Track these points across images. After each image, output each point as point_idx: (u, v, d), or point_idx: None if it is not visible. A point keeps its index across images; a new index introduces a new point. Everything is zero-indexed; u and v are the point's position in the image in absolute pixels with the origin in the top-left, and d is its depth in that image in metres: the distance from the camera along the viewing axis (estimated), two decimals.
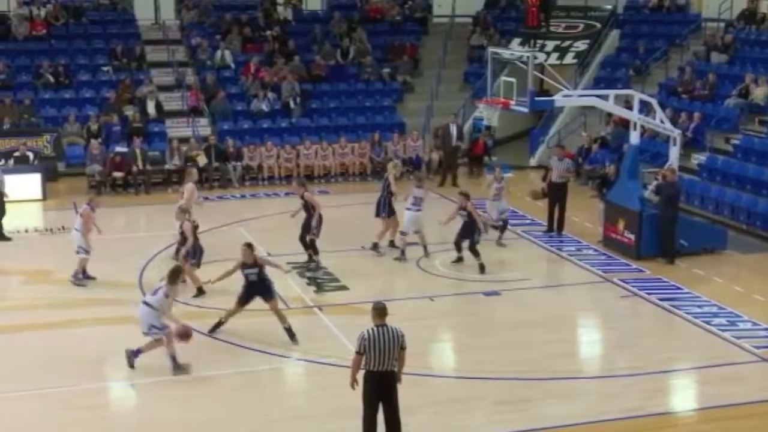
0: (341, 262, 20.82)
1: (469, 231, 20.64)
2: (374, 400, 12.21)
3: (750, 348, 16.43)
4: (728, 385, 14.98)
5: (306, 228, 20.58)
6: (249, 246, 16.72)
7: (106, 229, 20.45)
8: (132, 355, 15.26)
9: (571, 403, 14.36)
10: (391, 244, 21.72)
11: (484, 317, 18.17)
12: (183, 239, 18.98)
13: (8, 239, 22.64)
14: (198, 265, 19.14)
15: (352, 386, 12.28)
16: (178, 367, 15.09)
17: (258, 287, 16.52)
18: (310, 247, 20.72)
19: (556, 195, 23.49)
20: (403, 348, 12.07)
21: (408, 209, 21.30)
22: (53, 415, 13.82)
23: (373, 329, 12.05)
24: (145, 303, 15.41)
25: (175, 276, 15.44)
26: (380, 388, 12.16)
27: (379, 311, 12.21)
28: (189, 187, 21.36)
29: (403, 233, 21.41)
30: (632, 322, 18.07)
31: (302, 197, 20.75)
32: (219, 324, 16.72)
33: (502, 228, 22.78)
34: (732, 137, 27.39)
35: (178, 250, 19.34)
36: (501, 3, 39.59)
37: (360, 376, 12.20)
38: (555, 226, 23.65)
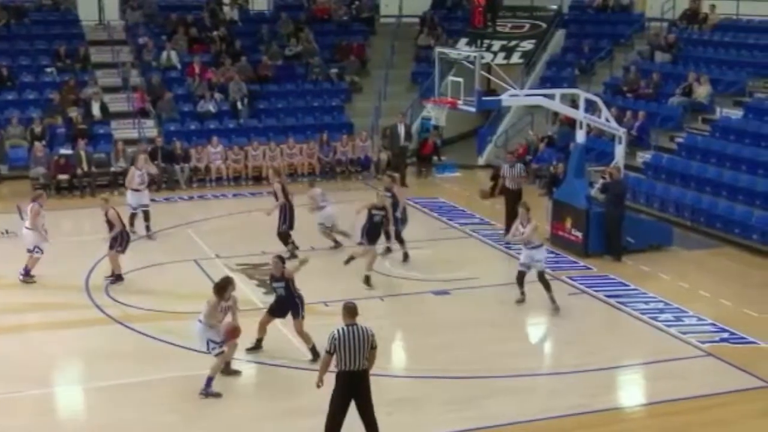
0: (290, 263, 20.74)
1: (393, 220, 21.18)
2: (344, 401, 12.20)
3: (696, 343, 16.64)
4: (675, 380, 15.15)
5: (279, 221, 21.51)
6: (279, 258, 16.02)
7: (52, 232, 20.24)
8: (208, 390, 14.46)
9: (520, 401, 14.44)
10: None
11: (433, 317, 18.20)
12: (110, 227, 19.35)
13: None
14: (123, 251, 19.51)
15: (318, 385, 12.29)
16: (212, 393, 14.47)
17: (287, 303, 15.81)
18: (283, 239, 21.30)
19: (512, 201, 22.66)
20: (373, 347, 12.13)
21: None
22: None
23: (343, 329, 12.08)
24: (199, 321, 14.69)
25: (220, 290, 14.74)
26: (353, 388, 12.18)
27: (350, 310, 12.27)
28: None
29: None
30: (580, 319, 18.19)
31: (276, 186, 21.69)
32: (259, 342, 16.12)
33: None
34: (676, 135, 27.67)
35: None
36: (448, 3, 39.71)
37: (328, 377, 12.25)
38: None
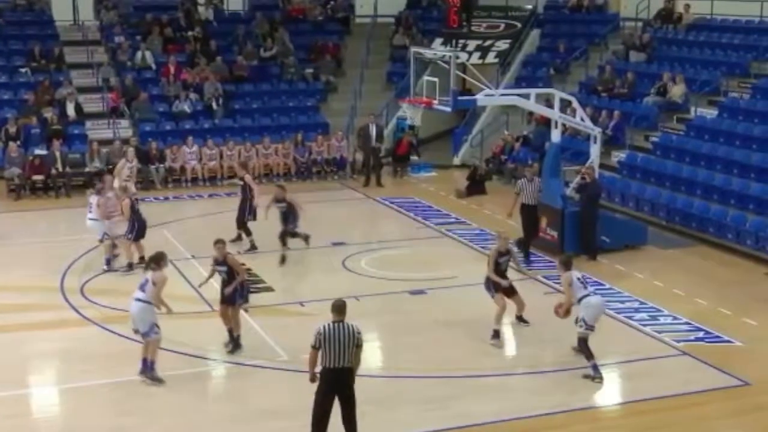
0: (266, 264, 20.74)
1: (286, 220, 21.16)
2: (328, 398, 12.20)
3: (671, 342, 16.71)
4: (651, 379, 15.21)
5: (242, 210, 21.93)
6: (221, 241, 16.13)
7: (27, 233, 20.17)
8: (149, 375, 14.71)
9: (497, 400, 14.47)
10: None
11: (410, 316, 18.18)
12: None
13: None
14: (135, 239, 19.98)
15: (312, 380, 12.32)
16: (156, 378, 14.72)
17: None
18: (243, 227, 21.91)
19: (531, 217, 21.65)
20: (358, 346, 12.13)
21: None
22: None
23: (329, 324, 12.10)
24: (138, 300, 14.74)
25: (157, 261, 14.97)
26: (336, 385, 12.16)
27: (337, 308, 12.27)
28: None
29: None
30: (556, 319, 18.10)
31: (243, 179, 22.17)
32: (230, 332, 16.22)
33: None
34: (651, 135, 27.78)
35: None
36: (423, 3, 39.75)
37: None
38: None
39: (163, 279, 14.90)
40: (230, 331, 16.10)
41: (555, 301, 18.70)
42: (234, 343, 16.04)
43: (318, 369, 12.23)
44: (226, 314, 16.10)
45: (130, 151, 25.80)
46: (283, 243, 21.22)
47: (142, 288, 14.77)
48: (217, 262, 16.04)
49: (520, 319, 17.49)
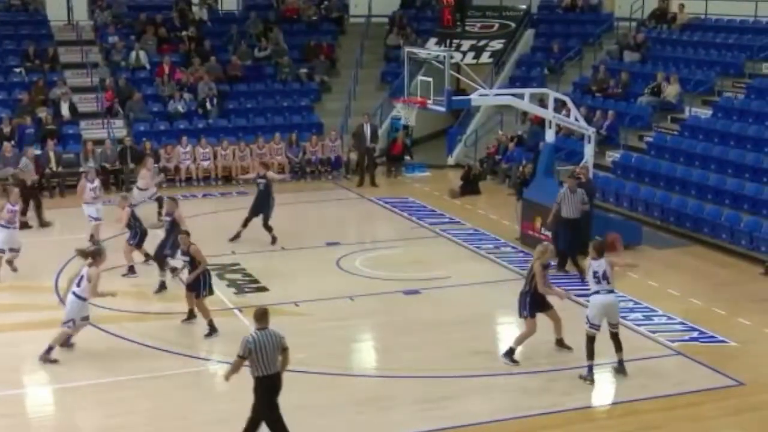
0: (261, 264, 20.73)
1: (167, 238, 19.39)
2: (270, 403, 12.26)
3: (665, 342, 16.73)
4: (645, 379, 15.22)
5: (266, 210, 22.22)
6: (185, 233, 17.24)
7: (20, 233, 20.11)
8: (48, 356, 15.45)
9: (492, 400, 14.49)
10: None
11: (404, 316, 18.17)
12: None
13: None
14: (137, 245, 19.94)
15: (226, 379, 12.52)
16: (50, 360, 15.44)
17: (195, 279, 16.83)
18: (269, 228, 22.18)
19: (571, 230, 20.42)
20: (284, 350, 12.19)
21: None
22: None
23: (257, 333, 12.13)
24: (74, 294, 15.49)
25: (94, 256, 15.65)
26: (273, 392, 12.23)
27: (259, 315, 12.32)
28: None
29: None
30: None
31: (265, 176, 22.45)
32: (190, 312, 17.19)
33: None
34: (645, 135, 27.81)
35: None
36: (417, 3, 39.73)
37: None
38: (566, 260, 20.62)
39: (97, 274, 15.50)
40: (191, 311, 17.09)
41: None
42: (210, 329, 16.71)
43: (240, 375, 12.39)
44: (190, 299, 17.00)
45: (149, 160, 25.42)
46: (161, 267, 19.42)
47: (78, 283, 15.50)
48: (183, 253, 16.99)
49: (560, 344, 16.26)
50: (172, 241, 18.88)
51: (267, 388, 12.17)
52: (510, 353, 15.79)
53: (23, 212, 23.01)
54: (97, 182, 22.66)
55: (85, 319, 15.83)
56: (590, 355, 15.10)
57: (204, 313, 16.79)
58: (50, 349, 15.42)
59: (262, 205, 22.33)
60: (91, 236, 21.59)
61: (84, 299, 15.52)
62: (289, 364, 12.33)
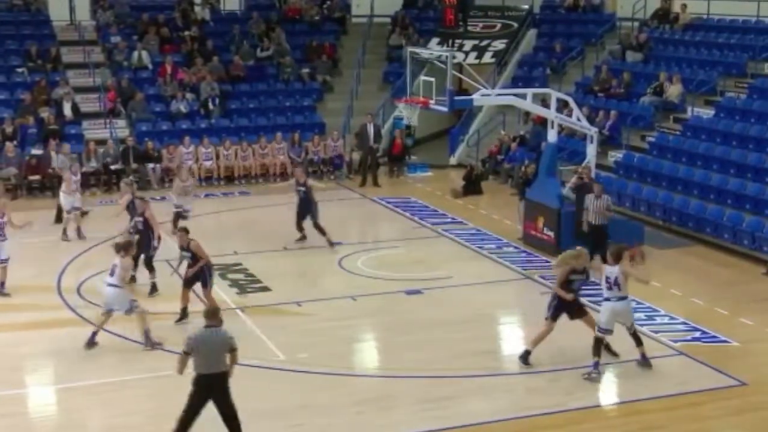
0: (263, 264, 20.74)
1: (148, 244, 18.98)
2: (198, 403, 12.13)
3: (668, 342, 16.71)
4: (647, 379, 15.20)
5: (306, 212, 21.99)
6: (184, 230, 17.61)
7: (23, 233, 20.09)
8: (151, 342, 16.11)
9: (494, 400, 14.48)
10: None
11: (406, 316, 18.18)
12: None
13: None
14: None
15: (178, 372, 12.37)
16: (152, 343, 16.08)
17: (195, 273, 17.21)
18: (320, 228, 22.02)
19: (598, 238, 20.00)
20: (232, 350, 12.06)
21: None
22: None
23: (200, 330, 12.08)
24: (111, 285, 16.03)
25: (126, 249, 16.36)
26: (209, 392, 12.10)
27: (209, 313, 12.27)
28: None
29: None
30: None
31: (305, 183, 22.04)
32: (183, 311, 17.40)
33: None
34: (647, 135, 27.79)
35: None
36: (419, 3, 39.72)
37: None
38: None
39: (130, 265, 16.67)
40: (183, 309, 17.32)
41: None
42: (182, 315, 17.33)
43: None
44: (186, 296, 17.37)
45: (184, 169, 25.05)
46: (151, 269, 19.13)
47: (111, 273, 16.10)
48: (182, 248, 17.29)
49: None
50: (149, 240, 18.94)
51: (203, 387, 12.05)
52: (526, 356, 15.66)
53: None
54: (78, 175, 23.88)
55: (135, 303, 16.31)
56: (597, 352, 15.13)
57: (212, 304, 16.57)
58: (147, 334, 16.15)
59: (307, 209, 22.03)
60: (73, 228, 22.89)
61: (120, 287, 16.05)
62: (236, 363, 12.23)
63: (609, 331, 15.23)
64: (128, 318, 17.29)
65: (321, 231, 22.01)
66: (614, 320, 15.26)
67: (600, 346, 15.19)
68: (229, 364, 12.12)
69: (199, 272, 17.14)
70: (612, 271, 15.20)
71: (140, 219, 19.20)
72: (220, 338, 12.01)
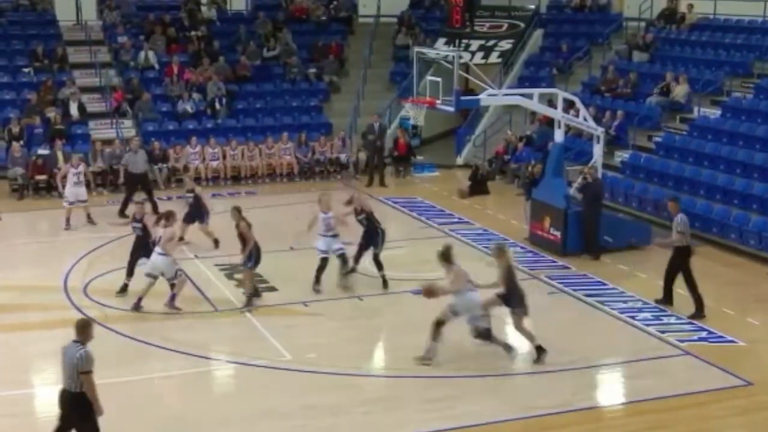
0: (270, 264, 20.71)
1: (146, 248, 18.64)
2: (60, 418, 11.74)
3: (674, 342, 16.70)
4: (654, 379, 15.21)
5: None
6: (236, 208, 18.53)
7: (29, 233, 20.14)
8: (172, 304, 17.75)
9: (499, 400, 14.47)
10: None
11: (412, 316, 18.13)
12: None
13: None
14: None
15: None
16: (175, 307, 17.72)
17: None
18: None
19: (672, 260, 18.48)
20: (81, 372, 11.39)
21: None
22: None
23: (69, 342, 11.60)
24: (160, 254, 17.62)
25: (167, 218, 17.90)
26: (61, 405, 11.71)
27: (76, 326, 11.73)
28: None
29: None
30: (559, 318, 18.22)
31: (363, 211, 19.96)
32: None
33: None
34: (654, 135, 27.77)
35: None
36: (426, 3, 39.73)
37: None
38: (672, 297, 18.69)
39: (173, 233, 18.03)
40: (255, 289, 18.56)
41: (557, 301, 18.86)
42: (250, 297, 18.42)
43: None
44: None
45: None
46: (129, 272, 18.93)
47: (156, 243, 17.78)
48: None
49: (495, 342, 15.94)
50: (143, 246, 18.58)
51: (60, 402, 11.66)
52: (539, 352, 15.69)
53: (127, 202, 24.80)
54: (81, 168, 24.24)
55: (180, 273, 18.03)
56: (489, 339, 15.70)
57: (249, 284, 18.35)
58: (173, 297, 17.76)
59: (371, 240, 20.14)
60: (67, 220, 23.56)
61: (167, 255, 17.64)
62: (92, 392, 11.55)
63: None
64: (134, 316, 17.40)
65: (378, 266, 19.84)
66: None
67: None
68: (84, 388, 11.44)
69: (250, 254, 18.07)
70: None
71: (138, 225, 18.80)
72: (70, 355, 11.41)
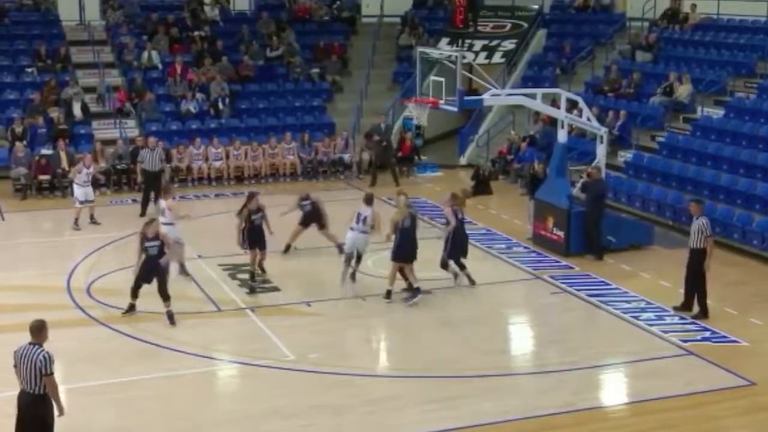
0: (273, 264, 20.73)
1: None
2: (19, 424, 11.55)
3: (677, 342, 16.70)
4: (657, 379, 15.20)
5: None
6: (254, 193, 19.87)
7: (33, 233, 20.16)
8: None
9: (503, 400, 14.46)
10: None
11: (415, 316, 18.17)
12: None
13: None
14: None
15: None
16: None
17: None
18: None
19: (692, 264, 18.25)
20: (44, 374, 11.30)
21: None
22: None
23: (24, 344, 11.52)
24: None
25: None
26: (20, 409, 11.53)
27: (31, 328, 11.58)
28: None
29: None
30: (562, 318, 18.24)
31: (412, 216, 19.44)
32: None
33: None
34: (657, 135, 27.76)
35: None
36: (429, 3, 39.75)
37: None
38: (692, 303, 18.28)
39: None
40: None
41: (560, 301, 18.87)
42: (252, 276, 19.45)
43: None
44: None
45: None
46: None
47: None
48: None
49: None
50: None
51: (19, 406, 11.50)
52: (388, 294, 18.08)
53: (147, 201, 25.17)
54: (92, 168, 24.40)
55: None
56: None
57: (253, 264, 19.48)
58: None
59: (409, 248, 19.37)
60: (76, 220, 23.57)
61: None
62: (55, 393, 11.51)
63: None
64: (137, 317, 17.38)
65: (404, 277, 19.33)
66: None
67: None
68: (47, 390, 11.34)
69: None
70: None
71: (154, 244, 17.44)
72: (29, 357, 11.31)
